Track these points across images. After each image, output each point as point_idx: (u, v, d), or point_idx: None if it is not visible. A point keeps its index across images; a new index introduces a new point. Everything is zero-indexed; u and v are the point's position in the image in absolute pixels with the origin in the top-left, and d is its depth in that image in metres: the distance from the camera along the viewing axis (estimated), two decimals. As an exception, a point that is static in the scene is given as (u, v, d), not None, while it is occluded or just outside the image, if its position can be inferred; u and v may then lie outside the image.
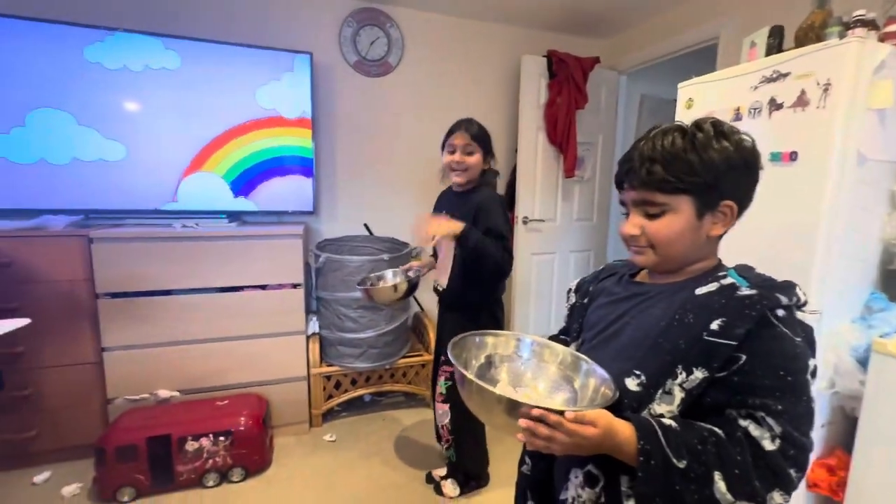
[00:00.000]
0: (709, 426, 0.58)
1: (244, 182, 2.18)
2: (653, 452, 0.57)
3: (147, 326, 1.87)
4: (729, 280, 0.64)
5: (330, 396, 2.21)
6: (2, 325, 0.97)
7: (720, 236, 0.68)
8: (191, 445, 1.70)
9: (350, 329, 2.11)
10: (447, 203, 1.69)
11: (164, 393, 1.89)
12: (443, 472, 1.80)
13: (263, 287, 2.02)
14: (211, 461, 1.73)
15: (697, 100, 1.61)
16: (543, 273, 2.82)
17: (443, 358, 1.70)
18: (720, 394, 0.59)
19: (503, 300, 1.70)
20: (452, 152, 1.57)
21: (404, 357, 2.32)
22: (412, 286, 1.65)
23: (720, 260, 0.71)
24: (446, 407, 1.66)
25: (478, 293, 1.59)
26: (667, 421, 0.59)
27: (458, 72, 2.66)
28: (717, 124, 0.65)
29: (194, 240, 1.91)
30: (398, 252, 2.23)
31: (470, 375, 0.62)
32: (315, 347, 2.16)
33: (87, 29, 1.89)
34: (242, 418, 1.78)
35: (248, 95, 2.13)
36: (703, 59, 2.25)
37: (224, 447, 1.74)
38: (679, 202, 0.64)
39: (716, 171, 0.62)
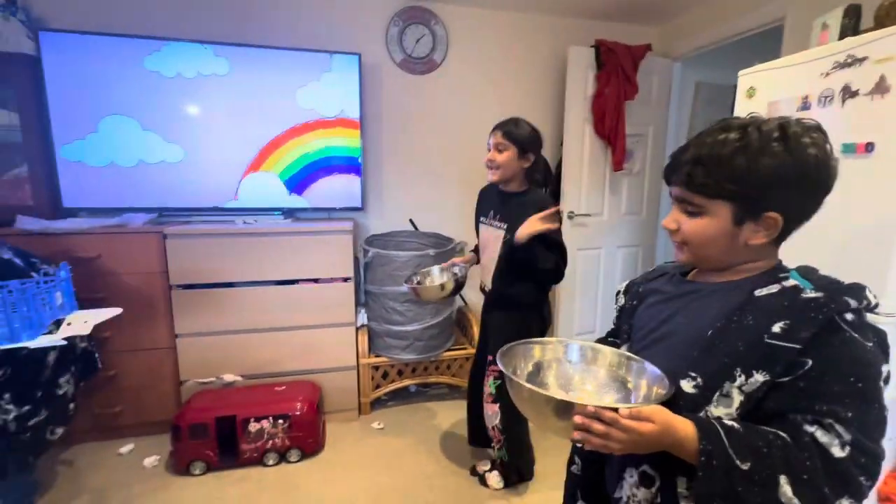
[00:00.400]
0: (773, 430, 0.57)
1: (298, 181, 2.30)
2: (714, 453, 0.56)
3: (213, 316, 2.02)
4: (792, 282, 0.62)
5: (378, 386, 2.30)
6: (100, 314, 1.11)
7: (765, 244, 0.64)
8: (253, 426, 1.84)
9: (397, 322, 2.19)
10: (493, 201, 1.70)
11: (228, 377, 2.05)
12: (486, 465, 1.84)
13: (316, 280, 2.13)
14: (271, 442, 1.86)
15: (760, 88, 1.52)
16: (589, 269, 2.77)
17: (490, 358, 1.72)
18: (784, 399, 0.57)
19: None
20: (489, 150, 1.59)
21: (448, 350, 2.37)
22: (459, 284, 1.69)
23: (780, 261, 0.68)
24: (496, 408, 1.68)
25: (524, 292, 1.59)
26: (728, 422, 0.59)
27: (502, 66, 2.65)
28: (784, 126, 0.60)
29: (253, 235, 2.04)
30: (443, 247, 2.27)
31: (520, 380, 0.64)
32: (364, 339, 2.25)
33: (145, 40, 2.04)
34: (299, 403, 1.90)
35: (298, 98, 2.23)
36: (766, 44, 2.11)
37: (282, 429, 1.86)
38: (716, 207, 0.63)
39: (762, 181, 0.60)
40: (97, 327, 1.29)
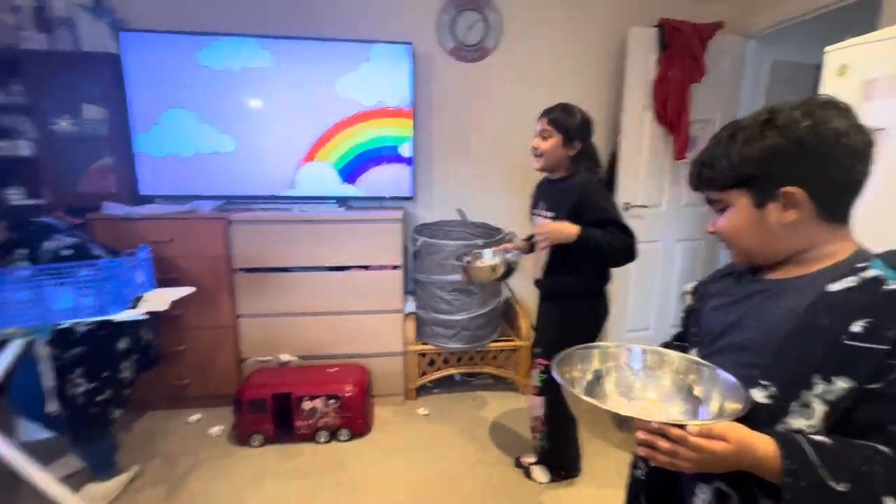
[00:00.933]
0: (872, 444, 0.51)
1: (351, 170, 2.36)
2: (801, 472, 0.50)
3: (272, 298, 2.13)
4: (873, 272, 0.55)
5: (424, 373, 2.33)
6: (176, 292, 1.20)
7: (810, 224, 0.59)
8: (307, 405, 1.93)
9: (444, 311, 2.20)
10: (544, 192, 1.66)
11: (284, 357, 2.16)
12: (531, 458, 1.82)
13: (367, 267, 2.18)
14: (322, 420, 1.95)
15: (854, 65, 1.36)
16: (645, 263, 2.63)
17: (535, 350, 1.70)
18: (877, 408, 0.51)
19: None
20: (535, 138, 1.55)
21: (495, 341, 2.36)
22: (510, 269, 1.66)
23: (861, 248, 0.60)
24: (540, 400, 1.66)
25: (576, 284, 1.55)
26: (817, 437, 0.52)
27: (557, 51, 2.55)
28: (772, 110, 0.60)
29: (309, 223, 2.12)
30: (491, 237, 2.25)
31: (577, 392, 0.61)
32: (411, 326, 2.29)
33: (198, 36, 2.14)
34: (349, 385, 1.97)
35: (345, 88, 2.26)
36: (855, 16, 1.89)
37: (334, 409, 1.94)
38: (733, 197, 0.64)
39: (757, 161, 0.60)
40: (171, 305, 1.40)
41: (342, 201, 2.38)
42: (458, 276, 2.13)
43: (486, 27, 2.47)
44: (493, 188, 2.66)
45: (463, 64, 2.52)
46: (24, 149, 2.17)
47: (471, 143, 2.61)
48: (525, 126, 2.53)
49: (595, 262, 1.50)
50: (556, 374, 0.67)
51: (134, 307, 1.07)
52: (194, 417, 2.13)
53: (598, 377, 0.75)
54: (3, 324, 0.94)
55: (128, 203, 2.14)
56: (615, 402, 0.70)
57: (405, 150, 2.36)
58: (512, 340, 2.38)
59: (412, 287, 2.42)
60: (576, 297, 1.57)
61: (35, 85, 2.10)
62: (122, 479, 1.67)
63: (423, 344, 2.30)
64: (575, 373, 0.74)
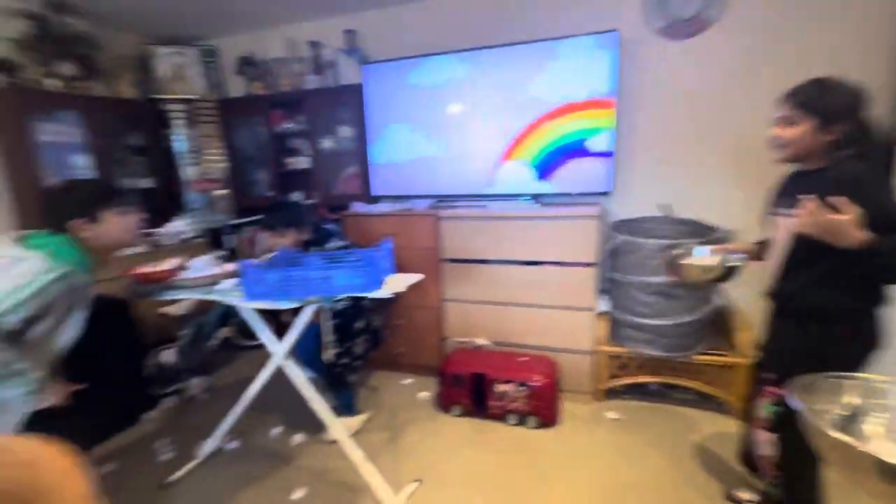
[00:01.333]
0: None
1: (545, 166, 2.41)
2: None
3: (472, 287, 2.37)
4: None
5: (614, 376, 2.24)
6: (410, 278, 1.49)
7: None
8: (499, 387, 2.09)
9: (641, 314, 2.06)
10: (791, 187, 1.34)
11: (480, 341, 2.38)
12: (749, 496, 1.56)
13: (559, 264, 2.21)
14: (513, 404, 2.09)
15: None
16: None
17: (763, 375, 1.42)
18: None
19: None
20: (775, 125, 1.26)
21: (702, 353, 2.09)
22: (728, 272, 1.43)
23: None
24: (769, 437, 1.39)
25: (837, 301, 1.21)
26: None
27: (803, 13, 2.05)
28: None
29: (505, 219, 2.27)
30: (703, 237, 1.98)
31: (828, 429, 0.52)
32: (603, 325, 2.22)
33: (408, 60, 2.49)
34: (539, 375, 2.05)
35: (549, 85, 2.30)
36: None
37: (524, 396, 2.06)
38: None
39: None
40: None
41: (537, 197, 2.46)
42: (659, 278, 1.97)
43: (707, -5, 2.16)
44: (707, 181, 2.33)
45: (675, 43, 2.27)
46: (303, 163, 2.95)
47: (681, 131, 2.34)
48: (753, 107, 2.15)
49: (875, 276, 1.16)
50: (797, 404, 0.59)
51: (383, 287, 1.37)
52: (407, 381, 2.56)
53: (854, 415, 0.62)
54: (307, 293, 1.34)
55: (365, 202, 2.68)
56: (883, 448, 0.58)
57: (603, 144, 2.28)
58: (725, 355, 2.07)
59: (605, 286, 2.34)
60: (836, 318, 1.22)
61: (311, 115, 2.82)
62: (362, 418, 2.15)
63: (615, 345, 2.21)
64: (820, 405, 0.63)
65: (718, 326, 2.31)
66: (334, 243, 1.92)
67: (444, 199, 2.65)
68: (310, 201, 2.94)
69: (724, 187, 2.30)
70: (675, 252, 1.56)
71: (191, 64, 3.02)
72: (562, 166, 2.38)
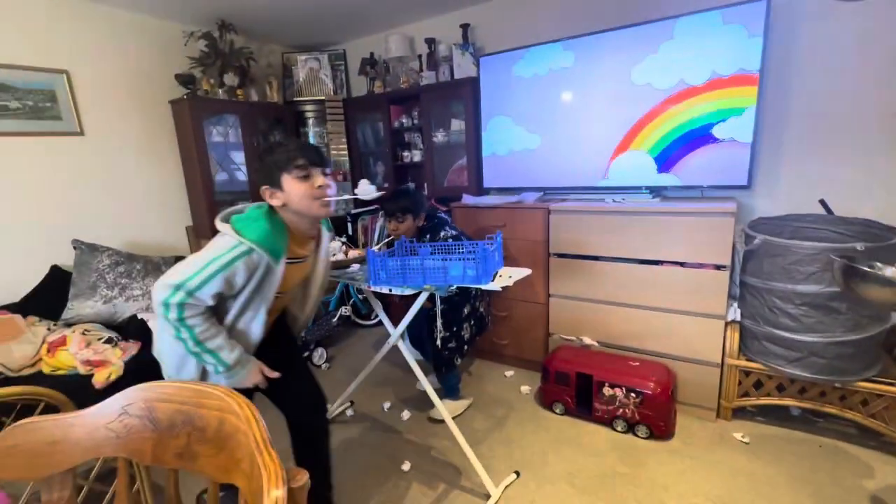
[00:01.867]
0: None
1: (668, 156, 2.20)
2: None
3: (580, 283, 2.28)
4: None
5: (745, 394, 1.98)
6: (519, 272, 1.49)
7: None
8: (607, 391, 1.99)
9: (785, 327, 1.79)
10: None
11: (587, 340, 2.29)
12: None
13: (682, 264, 2.01)
14: (621, 410, 1.97)
15: None
16: None
17: None
18: None
19: None
20: None
21: (868, 381, 1.74)
22: None
23: None
24: None
25: None
26: None
27: None
28: None
29: (621, 214, 2.12)
30: (882, 241, 1.64)
31: None
32: (734, 336, 1.97)
33: (512, 52, 2.47)
34: (653, 383, 1.91)
35: (681, 63, 2.07)
36: None
37: (634, 403, 1.93)
38: None
39: None
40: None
41: (656, 191, 2.26)
42: (813, 287, 1.68)
43: (903, -58, 1.75)
44: (887, 174, 1.91)
45: (845, 3, 1.88)
46: (417, 156, 3.10)
47: (849, 113, 1.95)
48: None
49: None
50: None
51: (493, 280, 1.40)
52: (510, 373, 2.57)
53: None
54: (425, 282, 1.42)
55: (475, 194, 2.73)
56: None
57: (740, 129, 2.00)
58: (901, 386, 1.70)
59: (736, 291, 2.08)
60: None
61: (425, 110, 2.94)
62: (465, 402, 2.22)
63: (748, 360, 1.95)
64: None
65: (894, 350, 1.91)
66: (447, 232, 1.98)
67: (554, 192, 2.58)
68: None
69: (912, 180, 1.87)
70: (852, 262, 1.27)
71: (323, 68, 3.35)
72: (687, 156, 2.15)
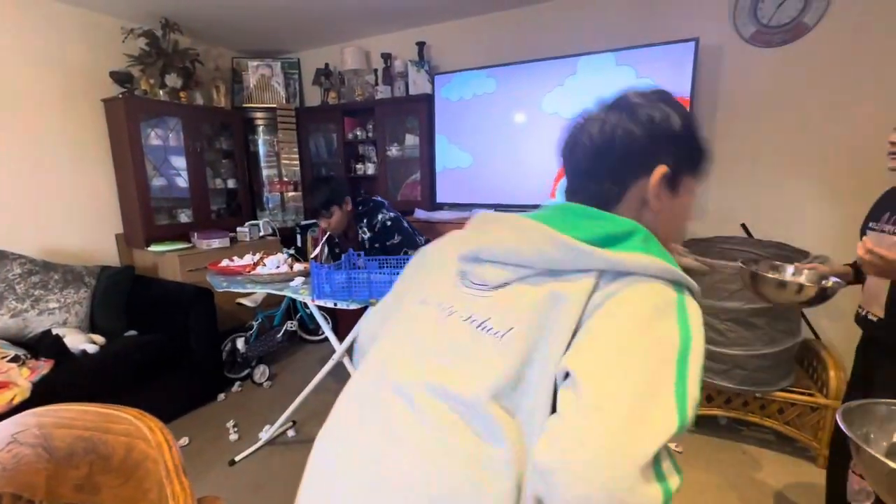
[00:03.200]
0: None
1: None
2: None
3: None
4: None
5: (678, 405, 2.09)
6: None
7: None
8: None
9: (713, 341, 1.92)
10: (894, 200, 1.22)
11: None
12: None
13: (622, 281, 2.11)
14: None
15: None
16: None
17: None
18: None
19: None
20: None
21: (784, 391, 1.90)
22: (823, 295, 1.25)
23: None
24: (864, 484, 1.24)
25: None
26: None
27: (931, 8, 1.82)
28: None
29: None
30: (790, 261, 1.81)
31: (877, 454, 0.47)
32: (668, 350, 2.09)
33: (474, 71, 2.49)
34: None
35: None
36: None
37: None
38: None
39: None
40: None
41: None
42: (736, 303, 1.82)
43: (805, 0, 1.99)
44: (797, 200, 2.13)
45: (763, 51, 2.11)
46: (370, 169, 3.07)
47: (765, 143, 2.17)
48: (855, 119, 1.94)
49: None
50: (841, 424, 0.54)
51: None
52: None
53: None
54: (372, 295, 1.40)
55: (428, 209, 2.74)
56: None
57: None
58: (811, 395, 1.86)
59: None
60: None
61: (379, 123, 2.94)
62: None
63: (680, 373, 2.06)
64: (874, 429, 0.58)
65: (805, 362, 2.10)
66: (384, 215, 1.92)
67: (505, 209, 2.64)
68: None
69: (813, 208, 2.09)
70: (758, 268, 1.39)
71: (275, 75, 3.27)
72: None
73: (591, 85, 2.30)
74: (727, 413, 2.02)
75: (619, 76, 2.22)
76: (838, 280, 1.26)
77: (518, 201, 2.56)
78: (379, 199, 2.05)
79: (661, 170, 0.57)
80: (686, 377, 0.46)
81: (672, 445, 1.57)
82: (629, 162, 0.58)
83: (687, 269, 0.54)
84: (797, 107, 2.08)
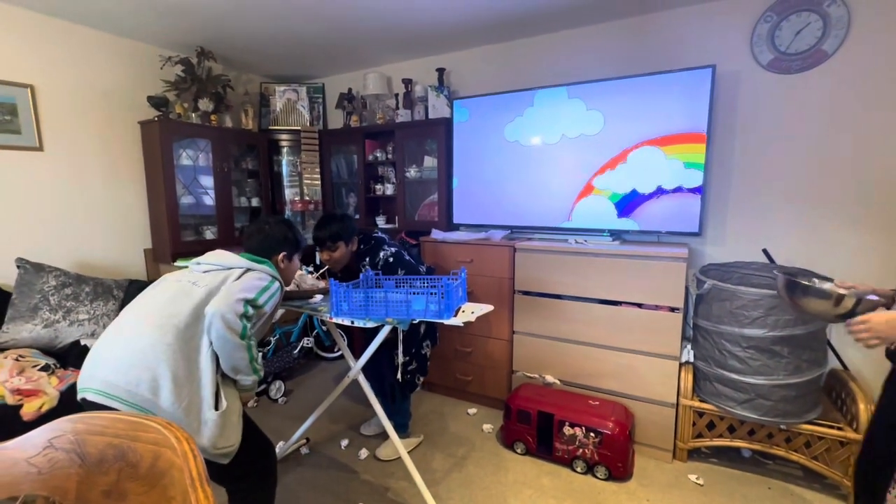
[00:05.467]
0: None
1: (628, 202, 2.32)
2: None
3: (544, 321, 2.32)
4: None
5: (699, 434, 2.03)
6: (481, 308, 1.51)
7: None
8: (567, 430, 2.00)
9: (734, 369, 1.87)
10: None
11: (549, 378, 2.30)
12: None
13: (640, 305, 2.09)
14: (581, 450, 1.97)
15: None
16: None
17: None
18: None
19: None
20: None
21: (810, 423, 1.83)
22: (857, 309, 1.19)
23: None
24: None
25: None
26: None
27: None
28: None
29: (583, 255, 2.21)
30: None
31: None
32: (688, 377, 2.04)
33: (493, 96, 2.55)
34: (611, 423, 1.93)
35: (634, 120, 2.24)
36: None
37: (593, 443, 1.94)
38: None
39: None
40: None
41: (616, 234, 2.37)
42: (759, 331, 1.78)
43: (824, 27, 2.00)
44: (820, 227, 2.09)
45: (783, 77, 2.11)
46: (389, 190, 3.14)
47: (786, 169, 2.14)
48: (879, 146, 1.92)
49: None
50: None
51: (455, 315, 1.41)
52: (472, 410, 2.54)
53: None
54: (388, 315, 1.42)
55: (445, 230, 2.77)
56: None
57: (692, 181, 2.15)
58: (840, 429, 1.79)
59: (690, 333, 2.16)
60: None
61: (399, 145, 3.02)
62: (415, 441, 2.18)
63: (700, 401, 2.01)
64: None
65: (833, 393, 2.02)
66: (386, 251, 1.96)
67: (521, 231, 2.66)
68: (391, 226, 3.12)
69: (839, 234, 2.05)
70: (796, 278, 1.35)
71: (301, 99, 3.40)
72: (646, 202, 2.28)
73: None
74: (751, 445, 1.95)
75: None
76: (878, 298, 1.21)
77: (538, 223, 2.57)
78: (379, 234, 2.09)
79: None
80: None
81: (693, 478, 1.55)
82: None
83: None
84: (817, 134, 2.07)
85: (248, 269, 1.35)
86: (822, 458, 1.82)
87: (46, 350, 2.06)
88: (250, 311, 1.24)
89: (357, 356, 1.82)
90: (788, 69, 2.09)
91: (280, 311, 2.76)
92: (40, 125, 2.37)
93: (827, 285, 1.31)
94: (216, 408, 1.20)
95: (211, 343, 1.22)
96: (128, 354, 1.16)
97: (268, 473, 1.39)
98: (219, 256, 1.40)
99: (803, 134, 2.10)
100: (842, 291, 1.23)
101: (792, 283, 1.30)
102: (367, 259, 1.96)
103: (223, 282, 1.30)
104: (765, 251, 2.16)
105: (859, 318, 1.11)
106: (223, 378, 1.27)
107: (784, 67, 2.10)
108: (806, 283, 1.31)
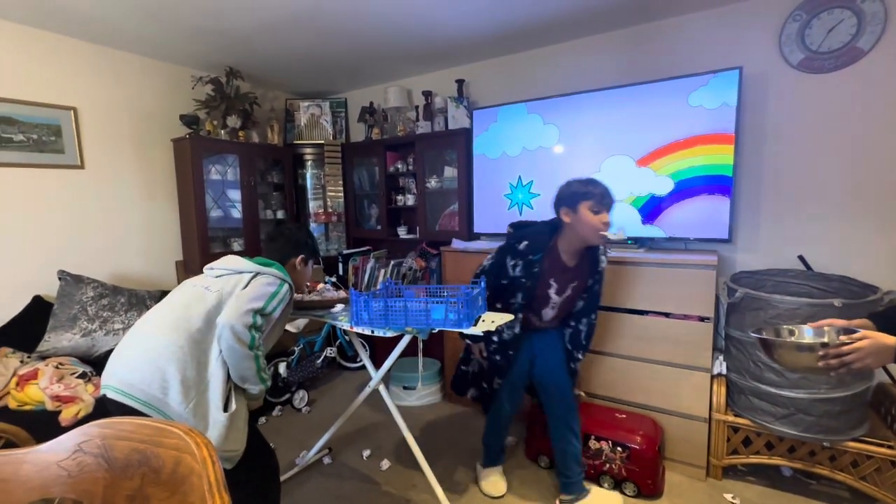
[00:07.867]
0: None
1: (651, 208, 2.26)
2: None
3: (566, 331, 2.27)
4: None
5: (734, 451, 1.93)
6: (502, 317, 1.49)
7: None
8: (593, 444, 1.93)
9: (771, 382, 1.77)
10: None
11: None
12: None
13: (667, 315, 2.02)
14: (608, 466, 1.91)
15: None
16: None
17: None
18: None
19: None
20: None
21: (857, 441, 1.71)
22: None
23: None
24: None
25: None
26: None
27: None
28: None
29: (608, 263, 2.15)
30: (859, 297, 1.67)
31: None
32: (721, 390, 1.95)
33: (511, 105, 2.54)
34: (639, 437, 1.86)
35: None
36: None
37: (620, 458, 1.87)
38: None
39: None
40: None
41: (641, 241, 2.31)
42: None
43: (859, 24, 1.92)
44: (859, 232, 1.98)
45: (814, 76, 2.03)
46: (410, 201, 3.17)
47: (821, 172, 2.05)
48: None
49: None
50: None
51: (475, 325, 1.39)
52: (494, 423, 2.49)
53: None
54: (407, 324, 1.42)
55: (465, 239, 2.77)
56: None
57: (723, 183, 2.08)
58: (891, 447, 1.67)
59: (722, 344, 2.07)
60: None
61: (419, 157, 3.05)
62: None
63: (735, 415, 1.92)
64: None
65: (881, 409, 1.89)
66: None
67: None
68: (411, 236, 3.14)
69: (879, 240, 1.94)
70: (766, 330, 1.19)
71: (324, 114, 3.50)
72: (669, 207, 2.21)
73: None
74: (791, 463, 1.84)
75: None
76: (857, 330, 1.00)
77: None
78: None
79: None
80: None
81: (728, 497, 1.46)
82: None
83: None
84: (852, 133, 1.97)
85: (258, 274, 1.39)
86: (872, 479, 1.70)
87: (84, 358, 2.15)
88: (259, 320, 1.29)
89: (380, 365, 1.82)
90: (821, 68, 2.01)
91: (304, 321, 2.82)
92: (82, 145, 2.52)
93: (807, 334, 1.12)
94: (225, 409, 1.25)
95: (221, 351, 1.27)
96: (143, 355, 1.23)
97: (270, 479, 1.42)
98: (230, 261, 1.45)
99: (838, 134, 2.01)
100: (824, 340, 1.04)
101: (762, 340, 1.09)
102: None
103: (234, 287, 1.35)
104: (801, 257, 2.06)
105: (842, 339, 0.96)
106: (235, 385, 1.32)
107: (816, 67, 2.02)
108: (773, 338, 1.10)
